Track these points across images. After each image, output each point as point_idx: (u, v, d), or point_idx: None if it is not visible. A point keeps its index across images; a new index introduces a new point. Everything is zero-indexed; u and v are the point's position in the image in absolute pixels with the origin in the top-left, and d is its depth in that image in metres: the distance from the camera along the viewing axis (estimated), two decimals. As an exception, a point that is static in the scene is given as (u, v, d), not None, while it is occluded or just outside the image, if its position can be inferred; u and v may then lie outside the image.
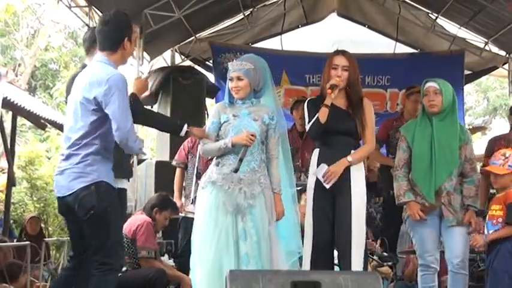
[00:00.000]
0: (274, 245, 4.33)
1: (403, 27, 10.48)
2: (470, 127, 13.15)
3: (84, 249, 3.92)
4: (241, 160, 4.23)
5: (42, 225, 9.73)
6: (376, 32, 10.61)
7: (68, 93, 4.35)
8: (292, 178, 4.69)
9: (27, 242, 7.19)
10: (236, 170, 4.25)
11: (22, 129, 16.13)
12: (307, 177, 6.43)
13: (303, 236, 4.61)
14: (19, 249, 7.34)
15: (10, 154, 9.04)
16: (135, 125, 4.05)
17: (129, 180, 5.22)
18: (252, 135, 4.26)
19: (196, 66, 10.32)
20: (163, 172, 7.55)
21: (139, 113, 4.32)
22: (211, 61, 10.31)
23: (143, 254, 5.60)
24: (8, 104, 8.02)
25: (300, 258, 4.62)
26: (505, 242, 4.47)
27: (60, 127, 9.04)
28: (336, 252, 4.59)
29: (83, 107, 3.82)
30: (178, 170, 6.54)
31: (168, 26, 9.06)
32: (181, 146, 6.56)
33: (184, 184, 6.50)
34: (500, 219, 4.51)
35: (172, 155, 6.78)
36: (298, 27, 10.61)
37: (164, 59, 10.36)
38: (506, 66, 10.62)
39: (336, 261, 4.62)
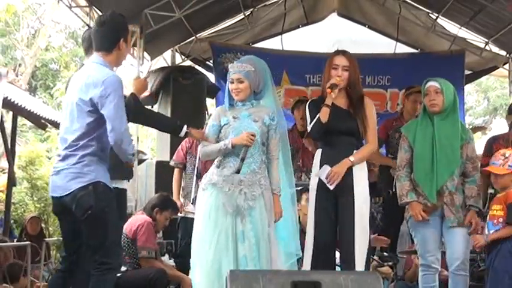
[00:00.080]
0: (273, 246, 4.34)
1: (404, 27, 10.47)
2: (471, 127, 13.16)
3: (76, 249, 3.93)
4: (242, 160, 4.25)
5: (43, 225, 9.75)
6: (376, 32, 10.60)
7: (68, 93, 4.37)
8: (291, 178, 4.69)
9: (27, 242, 7.24)
10: (238, 171, 4.27)
11: (22, 129, 16.17)
12: (307, 177, 6.46)
13: (302, 236, 4.62)
14: (19, 249, 7.37)
15: (10, 154, 9.08)
16: (135, 125, 4.06)
17: (129, 181, 5.24)
18: (252, 135, 4.26)
19: (197, 66, 10.33)
20: (164, 172, 7.56)
21: (139, 113, 4.35)
22: (211, 61, 10.31)
23: (143, 254, 5.60)
24: (8, 104, 8.06)
25: (299, 260, 4.62)
26: (505, 242, 4.47)
27: (60, 127, 9.05)
28: (337, 254, 4.57)
29: (79, 108, 3.84)
30: (176, 171, 6.56)
31: (168, 26, 9.06)
32: (179, 147, 6.58)
33: (182, 184, 6.51)
34: (500, 219, 4.51)
35: (172, 155, 6.80)
36: (298, 27, 10.60)
37: (164, 59, 10.36)
38: (506, 66, 10.61)
39: (337, 262, 4.61)
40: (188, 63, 10.49)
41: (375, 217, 6.92)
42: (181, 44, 10.34)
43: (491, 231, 4.54)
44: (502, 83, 18.28)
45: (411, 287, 5.92)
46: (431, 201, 4.57)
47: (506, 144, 5.56)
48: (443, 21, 10.37)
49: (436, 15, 10.21)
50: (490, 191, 5.23)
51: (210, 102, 10.69)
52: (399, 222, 5.99)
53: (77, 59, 18.91)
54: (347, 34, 10.32)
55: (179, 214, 6.38)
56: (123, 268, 5.46)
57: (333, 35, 10.35)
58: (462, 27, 10.27)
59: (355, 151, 4.48)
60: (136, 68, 8.78)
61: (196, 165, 6.25)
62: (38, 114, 9.19)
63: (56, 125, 9.71)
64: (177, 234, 6.60)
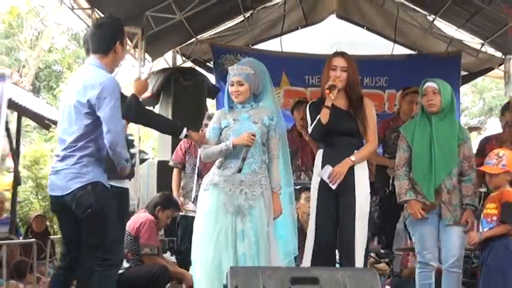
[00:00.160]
0: (272, 245, 4.39)
1: (401, 29, 10.43)
2: (466, 127, 13.16)
3: (76, 247, 3.97)
4: (244, 159, 4.30)
5: (48, 223, 9.80)
6: (374, 33, 10.57)
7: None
8: (290, 178, 4.73)
9: (33, 240, 7.29)
10: (239, 170, 4.32)
11: (27, 130, 16.17)
12: (307, 176, 6.55)
13: (300, 234, 4.71)
14: (25, 246, 7.43)
15: (15, 154, 9.13)
16: (136, 125, 4.12)
17: (130, 180, 5.31)
18: (253, 134, 4.32)
19: (197, 68, 10.34)
20: (165, 171, 7.57)
21: (140, 114, 4.39)
22: (212, 62, 10.30)
23: (146, 251, 5.67)
24: (13, 105, 8.09)
25: (296, 258, 4.68)
26: (498, 240, 4.49)
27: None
28: (337, 252, 4.61)
29: (76, 110, 3.87)
30: (175, 170, 6.58)
31: (169, 28, 9.06)
32: (178, 147, 6.60)
33: (182, 183, 6.54)
34: (494, 218, 4.53)
35: (173, 155, 6.86)
36: (297, 28, 10.59)
37: (165, 60, 10.35)
38: (502, 67, 10.60)
39: (337, 261, 4.63)
40: (189, 64, 10.49)
41: (373, 215, 6.98)
42: (182, 45, 10.34)
43: (485, 229, 4.56)
44: (497, 84, 18.18)
45: (407, 282, 5.99)
46: (429, 199, 4.60)
47: (499, 144, 5.60)
48: (440, 23, 10.36)
49: (433, 17, 10.19)
50: (482, 189, 5.29)
51: (210, 102, 10.67)
52: (395, 220, 6.02)
53: (79, 60, 18.84)
54: (346, 36, 10.28)
55: (179, 213, 6.43)
56: (127, 264, 5.56)
57: (332, 36, 10.31)
58: (459, 29, 10.27)
59: (355, 151, 4.53)
60: (138, 69, 8.79)
61: (197, 165, 6.31)
62: (42, 114, 9.24)
63: (59, 125, 9.77)
64: (177, 232, 6.64)
